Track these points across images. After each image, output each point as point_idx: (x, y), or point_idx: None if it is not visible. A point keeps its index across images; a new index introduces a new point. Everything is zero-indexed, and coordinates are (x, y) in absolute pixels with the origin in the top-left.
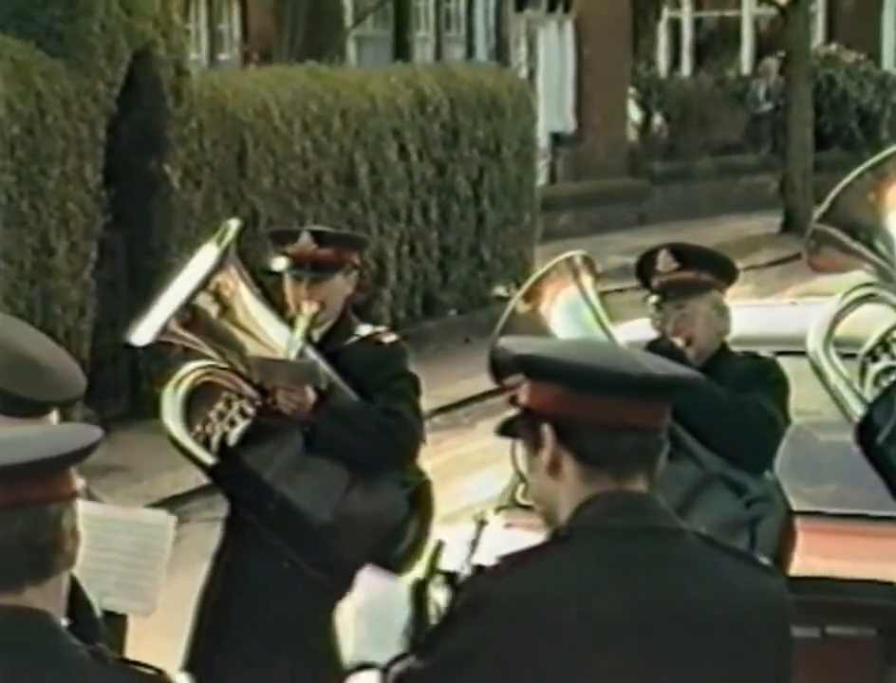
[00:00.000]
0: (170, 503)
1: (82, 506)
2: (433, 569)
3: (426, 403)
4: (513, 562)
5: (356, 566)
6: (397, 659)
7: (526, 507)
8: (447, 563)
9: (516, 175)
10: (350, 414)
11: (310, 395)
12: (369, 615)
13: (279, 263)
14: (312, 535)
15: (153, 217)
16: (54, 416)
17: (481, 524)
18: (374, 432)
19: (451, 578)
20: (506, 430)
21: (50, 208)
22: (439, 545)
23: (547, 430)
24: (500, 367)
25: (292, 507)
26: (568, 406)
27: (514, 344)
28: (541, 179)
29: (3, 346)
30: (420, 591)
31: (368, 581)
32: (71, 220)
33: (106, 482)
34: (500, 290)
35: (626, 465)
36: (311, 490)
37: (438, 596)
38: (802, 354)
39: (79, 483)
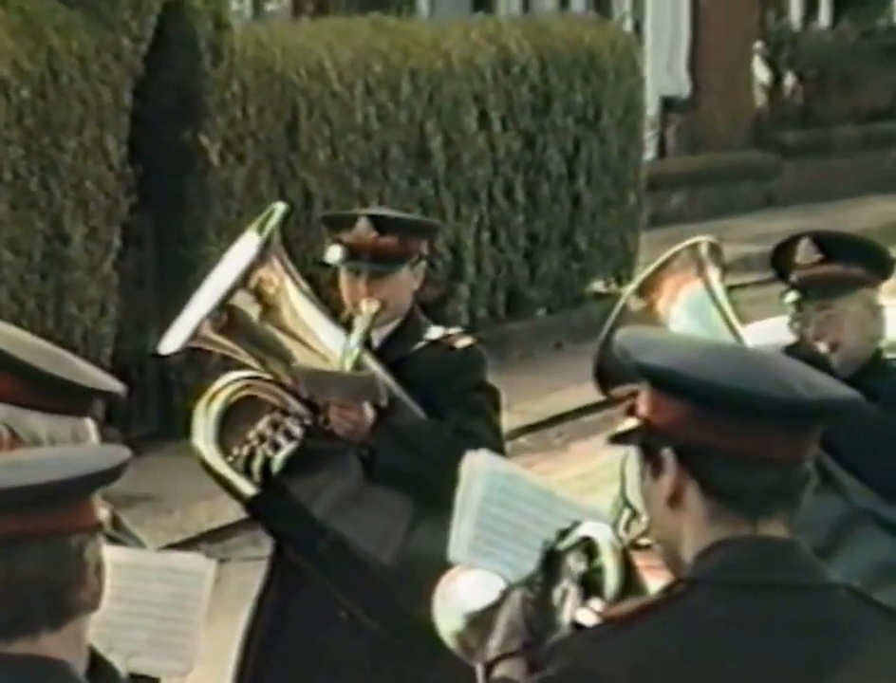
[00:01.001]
0: (207, 538)
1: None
2: (573, 543)
3: (509, 421)
4: (617, 622)
5: (423, 619)
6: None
7: (637, 546)
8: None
9: (619, 147)
10: (416, 435)
11: (368, 413)
12: (483, 511)
13: (333, 253)
14: (372, 581)
15: (187, 199)
16: (92, 430)
17: (589, 554)
18: (444, 456)
19: (590, 548)
20: (620, 441)
21: (65, 187)
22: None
23: (669, 453)
24: (610, 373)
25: (348, 548)
26: (696, 429)
27: (635, 346)
28: (649, 153)
29: (24, 342)
30: (553, 558)
31: (490, 467)
32: (90, 202)
33: (132, 514)
34: (599, 286)
35: (764, 503)
36: (370, 527)
37: (574, 563)
38: None
39: (104, 512)
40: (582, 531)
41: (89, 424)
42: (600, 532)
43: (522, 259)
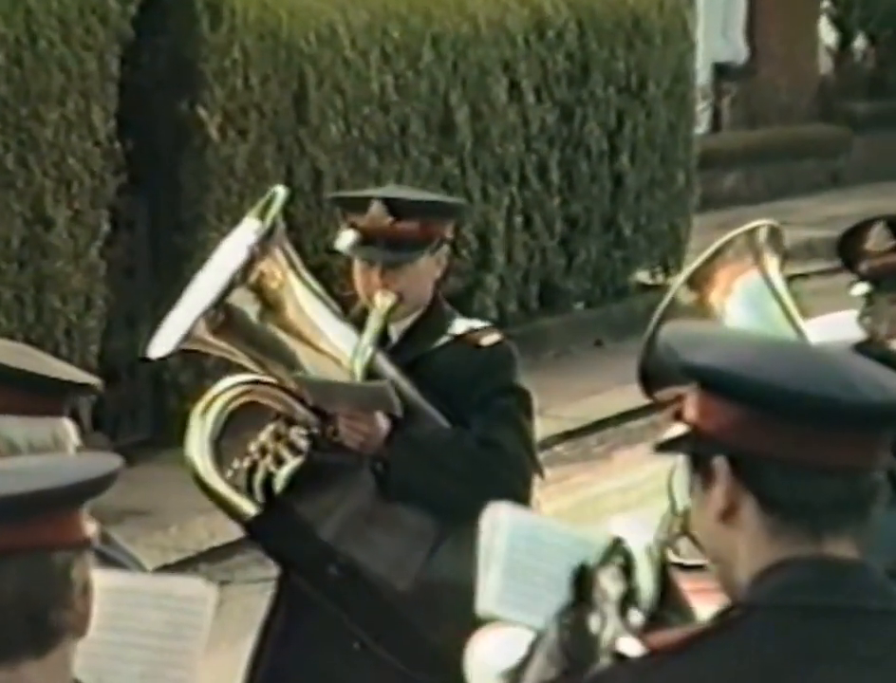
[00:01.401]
0: (207, 558)
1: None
2: (606, 559)
3: (543, 427)
4: (664, 652)
5: (444, 650)
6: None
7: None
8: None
9: (667, 121)
10: (436, 446)
11: (381, 423)
12: (510, 560)
13: (345, 239)
14: (387, 609)
15: (182, 178)
16: (73, 431)
17: (626, 567)
18: (468, 469)
19: (628, 565)
20: (666, 449)
21: (46, 164)
22: (617, 543)
23: (721, 463)
24: (656, 374)
25: (361, 574)
26: (751, 435)
27: (682, 343)
28: (700, 127)
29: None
30: (585, 579)
31: (512, 519)
32: (74, 181)
33: (122, 530)
34: (644, 276)
35: (829, 518)
36: (385, 551)
37: (609, 584)
38: None
39: (91, 528)
40: (613, 530)
41: (68, 424)
42: (633, 534)
43: (558, 246)
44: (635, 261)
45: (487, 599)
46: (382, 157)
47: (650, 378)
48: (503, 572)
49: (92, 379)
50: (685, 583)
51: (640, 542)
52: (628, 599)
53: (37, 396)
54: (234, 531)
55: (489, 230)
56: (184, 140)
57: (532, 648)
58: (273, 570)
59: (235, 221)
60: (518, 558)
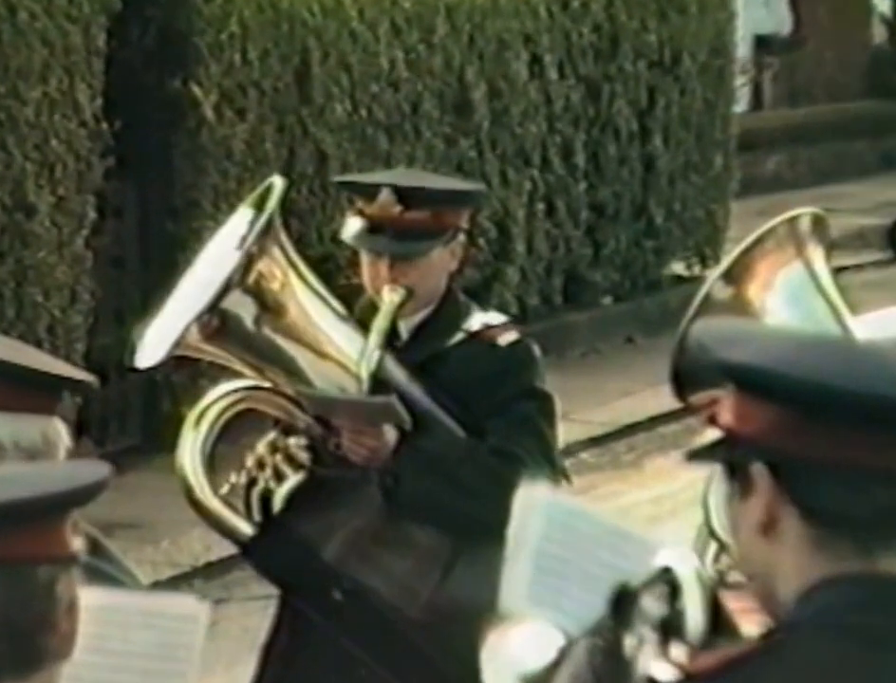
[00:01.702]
0: (202, 574)
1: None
2: (652, 582)
3: (567, 432)
4: (700, 678)
5: (458, 679)
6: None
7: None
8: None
9: (703, 98)
10: (449, 458)
11: (389, 435)
12: (543, 551)
13: (351, 228)
14: (397, 636)
15: (175, 161)
16: (65, 433)
17: (672, 593)
18: (484, 484)
19: (672, 584)
20: (701, 457)
21: (27, 147)
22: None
23: (761, 470)
24: (690, 375)
25: (368, 598)
26: (793, 439)
27: (717, 340)
28: (740, 105)
29: None
30: (626, 599)
31: (548, 501)
32: (57, 165)
33: (111, 544)
34: (678, 267)
35: (880, 530)
36: (394, 573)
37: (651, 605)
38: None
39: (78, 542)
40: (660, 561)
41: (60, 425)
42: (683, 562)
43: (584, 235)
44: (668, 251)
45: (514, 593)
46: (391, 139)
47: (683, 380)
48: (534, 564)
49: (87, 376)
50: (730, 602)
51: (689, 567)
52: (671, 625)
53: (26, 391)
54: (233, 545)
55: (508, 218)
56: (177, 120)
57: (560, 657)
58: (275, 588)
59: (233, 207)
60: (552, 549)
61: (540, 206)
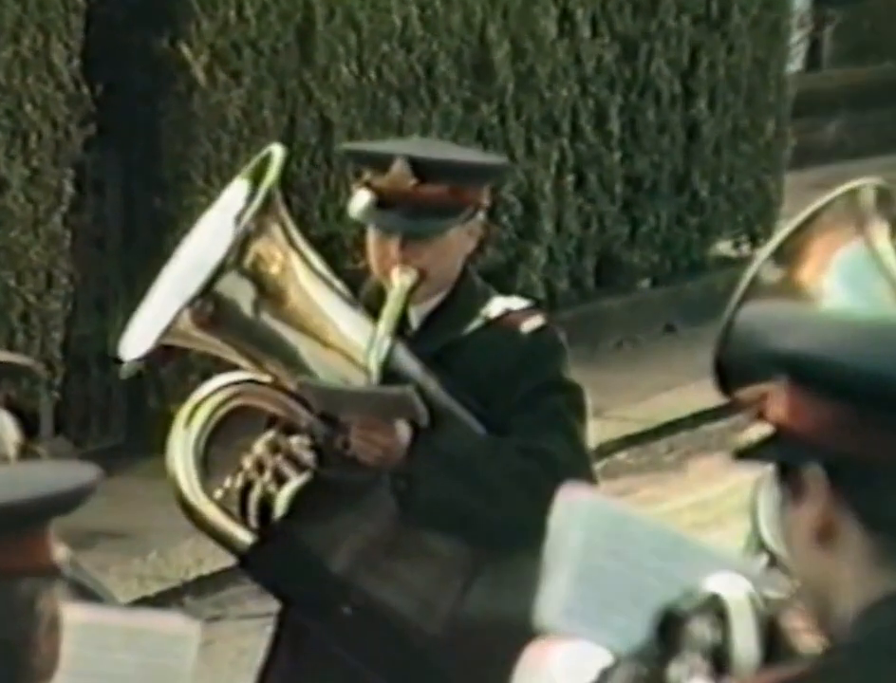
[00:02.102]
0: (193, 589)
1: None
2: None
3: (601, 431)
4: None
5: None
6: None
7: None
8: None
9: (754, 57)
10: (469, 457)
11: (403, 432)
12: (585, 562)
13: (357, 202)
14: (413, 656)
15: (163, 130)
16: (10, 425)
17: (717, 611)
18: (509, 486)
19: (721, 613)
20: (749, 456)
21: None
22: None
23: (816, 471)
24: (736, 367)
25: (381, 614)
26: (853, 438)
27: (767, 326)
28: (796, 64)
29: None
30: (673, 624)
31: (591, 505)
32: (31, 134)
33: (92, 556)
34: (725, 247)
35: None
36: (410, 586)
37: (702, 632)
38: None
39: (61, 552)
40: (710, 586)
41: (3, 416)
42: (734, 587)
43: (619, 211)
44: (714, 229)
45: (552, 609)
46: (404, 105)
47: (728, 373)
48: (575, 576)
49: (27, 360)
50: (796, 621)
51: (741, 592)
52: (722, 654)
53: None
54: (227, 557)
55: (535, 192)
56: (164, 84)
57: (602, 679)
58: (274, 604)
59: (227, 181)
60: (594, 559)
61: (570, 178)
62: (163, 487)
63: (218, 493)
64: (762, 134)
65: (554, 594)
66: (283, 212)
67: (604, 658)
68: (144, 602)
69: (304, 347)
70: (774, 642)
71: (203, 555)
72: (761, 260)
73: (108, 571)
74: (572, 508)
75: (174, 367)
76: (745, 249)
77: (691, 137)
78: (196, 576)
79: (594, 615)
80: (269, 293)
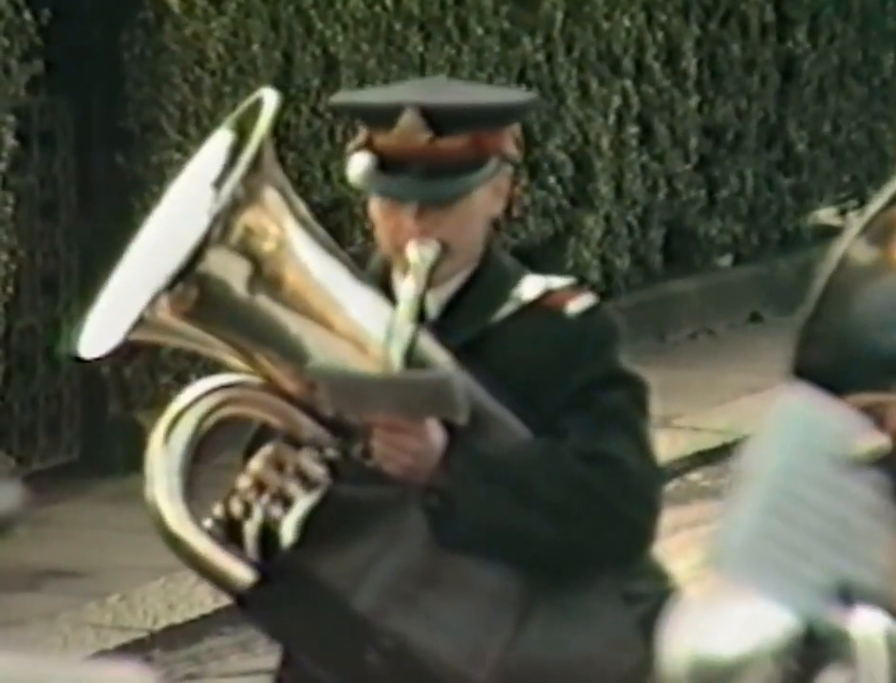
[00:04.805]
0: (165, 641)
1: None
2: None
3: (671, 443)
4: None
5: None
6: None
7: None
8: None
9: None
10: (516, 466)
11: (435, 437)
12: (777, 491)
13: (356, 166)
14: None
15: (128, 69)
16: None
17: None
18: (567, 499)
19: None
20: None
21: None
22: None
23: None
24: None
25: (415, 660)
26: None
27: (872, 320)
28: None
29: None
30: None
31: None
32: None
33: (40, 599)
34: (827, 214)
35: None
36: (450, 626)
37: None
38: None
39: None
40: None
41: None
42: (870, 626)
43: (694, 171)
44: (814, 192)
45: (731, 545)
46: (427, 38)
47: (809, 374)
48: (762, 513)
49: None
50: None
51: (877, 629)
52: None
53: None
54: (205, 602)
55: (589, 148)
56: (129, 11)
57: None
58: (263, 659)
59: (207, 133)
60: (794, 487)
61: (633, 130)
62: (126, 514)
63: (208, 522)
64: (878, 71)
65: (738, 527)
66: (278, 172)
67: (779, 618)
68: (102, 656)
69: (307, 337)
70: None
71: (175, 599)
72: (852, 236)
73: (58, 618)
74: (787, 410)
75: (141, 367)
76: (852, 216)
77: (786, 77)
78: (166, 625)
79: (779, 561)
80: (263, 274)
